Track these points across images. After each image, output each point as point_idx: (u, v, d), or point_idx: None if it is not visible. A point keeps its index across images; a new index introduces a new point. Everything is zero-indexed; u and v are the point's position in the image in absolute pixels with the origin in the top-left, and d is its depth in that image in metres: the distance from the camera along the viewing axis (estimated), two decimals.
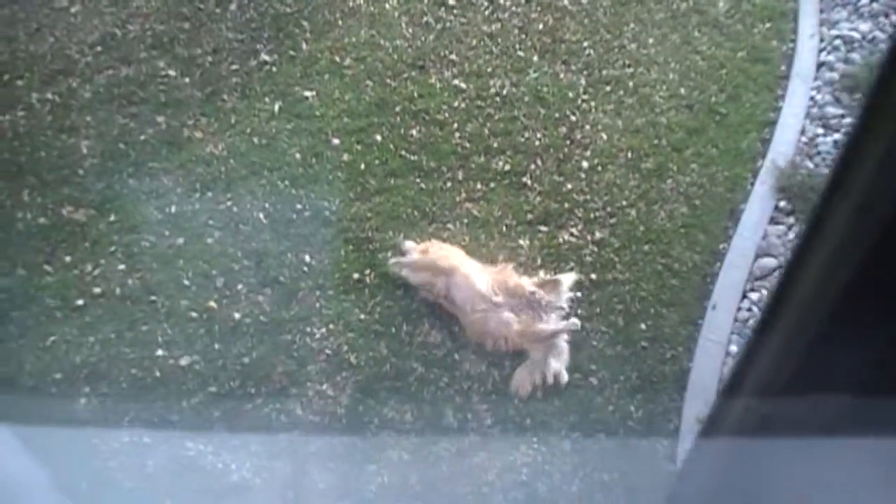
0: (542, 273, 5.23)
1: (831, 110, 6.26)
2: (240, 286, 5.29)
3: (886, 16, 6.91)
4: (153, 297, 5.24)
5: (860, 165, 1.55)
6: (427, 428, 4.71)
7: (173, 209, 5.68)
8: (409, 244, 5.33)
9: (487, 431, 4.71)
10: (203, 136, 6.11)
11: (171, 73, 6.53)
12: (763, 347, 2.11)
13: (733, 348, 4.98)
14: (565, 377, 4.80)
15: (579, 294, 5.20)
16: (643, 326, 5.12)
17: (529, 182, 5.87)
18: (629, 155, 6.04)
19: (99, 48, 6.67)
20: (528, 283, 4.97)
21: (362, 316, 5.17)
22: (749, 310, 5.17)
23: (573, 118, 6.29)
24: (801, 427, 1.99)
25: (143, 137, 6.10)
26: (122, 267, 5.38)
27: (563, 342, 4.87)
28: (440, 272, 5.02)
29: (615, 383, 4.88)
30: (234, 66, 6.59)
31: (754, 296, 5.24)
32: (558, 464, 4.58)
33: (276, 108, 6.31)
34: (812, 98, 6.43)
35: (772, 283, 5.27)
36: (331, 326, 5.11)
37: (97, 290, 5.27)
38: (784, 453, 2.20)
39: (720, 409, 2.70)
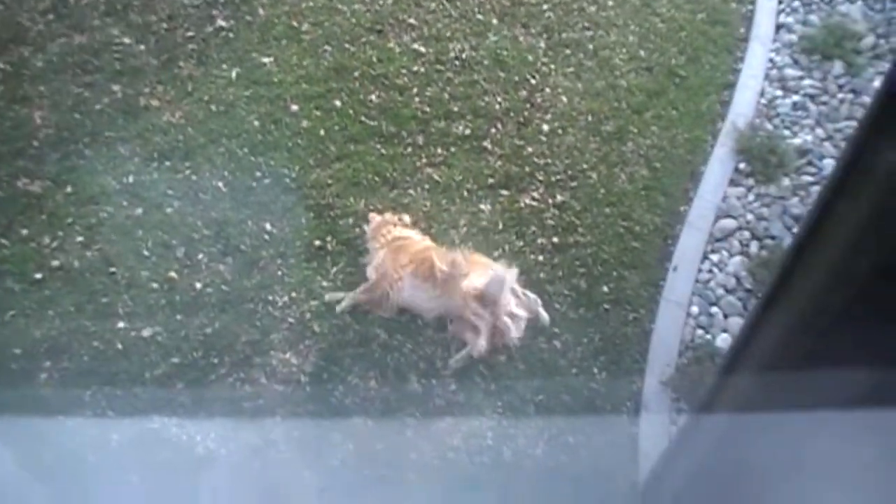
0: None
1: (790, 72, 6.29)
2: (200, 256, 5.23)
3: None
4: (113, 269, 5.15)
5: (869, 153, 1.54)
6: (391, 394, 4.70)
7: (131, 179, 5.58)
8: (372, 216, 5.26)
9: (451, 397, 4.71)
10: (160, 105, 6.00)
11: (126, 40, 6.39)
12: (770, 324, 2.09)
13: (694, 309, 5.03)
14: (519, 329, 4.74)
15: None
16: (605, 289, 5.14)
17: (490, 146, 5.84)
18: (589, 118, 6.03)
19: (51, 16, 6.50)
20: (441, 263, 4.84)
21: (325, 283, 5.13)
22: (710, 271, 5.21)
23: (533, 81, 6.26)
24: (808, 403, 1.97)
25: (98, 107, 5.97)
26: (80, 239, 5.28)
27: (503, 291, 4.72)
28: (381, 297, 4.98)
29: (578, 346, 4.90)
30: (190, 33, 6.46)
31: (714, 257, 5.27)
32: (522, 427, 4.60)
33: (234, 74, 6.21)
34: (771, 60, 6.46)
35: (732, 245, 5.31)
36: (293, 294, 5.07)
37: (55, 262, 5.17)
38: (788, 430, 2.18)
39: (719, 385, 2.69)
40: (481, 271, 4.76)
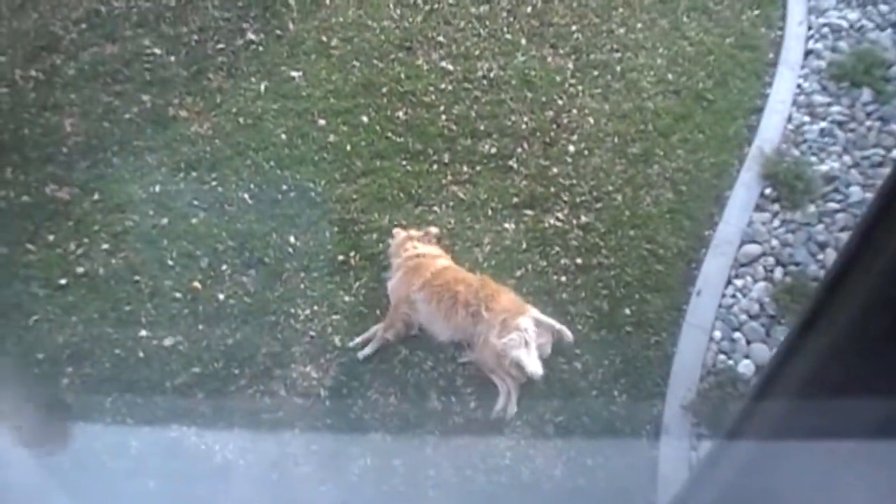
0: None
1: (818, 98, 6.25)
2: (224, 267, 5.25)
3: (874, 4, 6.89)
4: (137, 277, 5.19)
5: None
6: (411, 411, 4.68)
7: (158, 189, 5.62)
8: (396, 231, 5.28)
9: (471, 415, 4.69)
10: (188, 116, 6.05)
11: (157, 51, 6.46)
12: (805, 350, 2.05)
13: (717, 334, 4.97)
14: (531, 367, 4.61)
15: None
16: (628, 311, 5.10)
17: (516, 165, 5.84)
18: (616, 140, 6.01)
19: (83, 25, 6.59)
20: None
21: (347, 298, 5.13)
22: (733, 296, 5.15)
23: (560, 102, 6.26)
24: (841, 433, 1.93)
25: (127, 116, 6.04)
26: (105, 246, 5.32)
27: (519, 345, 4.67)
28: (404, 324, 4.95)
29: (599, 368, 4.86)
30: (221, 45, 6.52)
31: (739, 282, 5.22)
32: (541, 447, 4.56)
33: (262, 87, 6.25)
34: (799, 86, 6.42)
35: (756, 271, 5.26)
36: (315, 308, 5.07)
37: (81, 269, 5.21)
38: (820, 460, 2.14)
39: (748, 411, 2.64)
40: (502, 316, 4.71)
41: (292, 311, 5.06)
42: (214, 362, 4.84)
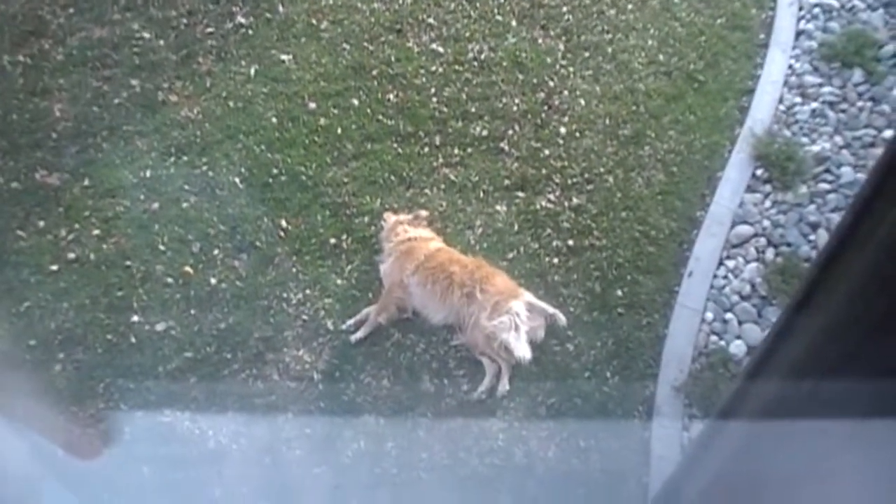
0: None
1: (809, 79, 6.23)
2: (216, 251, 5.23)
3: None
4: (128, 263, 5.17)
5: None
6: (404, 393, 4.69)
7: (148, 173, 5.59)
8: (386, 215, 5.27)
9: (464, 397, 4.69)
10: (178, 100, 6.00)
11: (146, 35, 6.39)
12: (798, 330, 2.04)
13: (709, 315, 4.98)
14: (520, 352, 4.59)
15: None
16: (620, 293, 5.11)
17: (507, 147, 5.81)
18: (607, 121, 5.99)
19: (71, 9, 6.51)
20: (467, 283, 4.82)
21: (339, 281, 5.12)
22: (725, 277, 5.16)
23: (551, 84, 6.23)
24: (835, 413, 1.92)
25: (117, 101, 5.99)
26: (96, 232, 5.30)
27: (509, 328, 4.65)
28: (397, 307, 4.95)
29: (591, 350, 4.86)
30: (210, 29, 6.46)
31: (730, 263, 5.22)
32: (534, 429, 4.58)
33: (252, 71, 6.20)
34: (790, 66, 6.39)
35: (748, 252, 5.26)
36: (307, 292, 5.07)
37: (71, 255, 5.19)
38: (813, 440, 2.12)
39: (741, 392, 2.64)
40: (494, 299, 4.70)
41: (284, 295, 5.05)
42: (207, 347, 4.83)
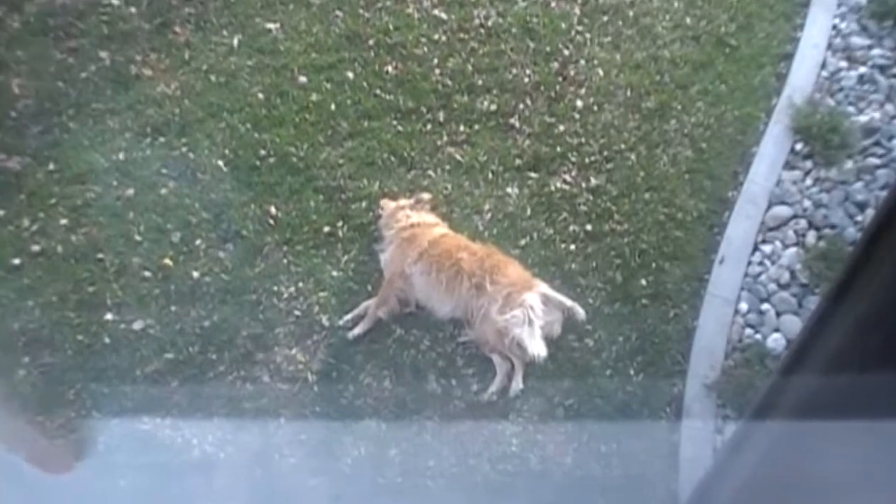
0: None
1: (857, 41, 6.22)
2: (198, 241, 5.28)
3: None
4: (101, 255, 5.21)
5: None
6: (407, 395, 4.73)
7: (121, 156, 5.64)
8: (384, 202, 5.32)
9: (473, 398, 4.74)
10: (153, 74, 6.04)
11: (115, 1, 6.42)
12: (838, 320, 2.07)
13: (743, 306, 5.01)
14: (534, 349, 4.68)
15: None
16: (643, 282, 5.15)
17: (518, 124, 5.86)
18: (628, 93, 6.03)
19: None
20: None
21: (334, 273, 5.17)
22: (760, 264, 5.19)
23: (566, 52, 6.26)
24: (879, 409, 1.94)
25: (84, 75, 6.03)
26: (64, 221, 5.35)
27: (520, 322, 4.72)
28: (399, 299, 5.02)
29: (613, 345, 4.91)
30: None
31: (766, 248, 5.25)
32: (551, 433, 4.62)
33: (236, 42, 6.25)
34: (835, 27, 6.38)
35: (786, 235, 5.27)
36: (300, 285, 5.12)
37: (36, 247, 5.24)
38: (856, 439, 2.14)
39: (777, 388, 2.67)
40: (506, 291, 4.76)
41: (275, 288, 5.10)
42: (189, 347, 4.88)
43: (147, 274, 5.15)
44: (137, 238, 5.29)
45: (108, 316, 5.00)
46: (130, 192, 5.48)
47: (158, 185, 5.51)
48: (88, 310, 5.02)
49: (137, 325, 4.96)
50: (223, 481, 4.46)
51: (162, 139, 5.72)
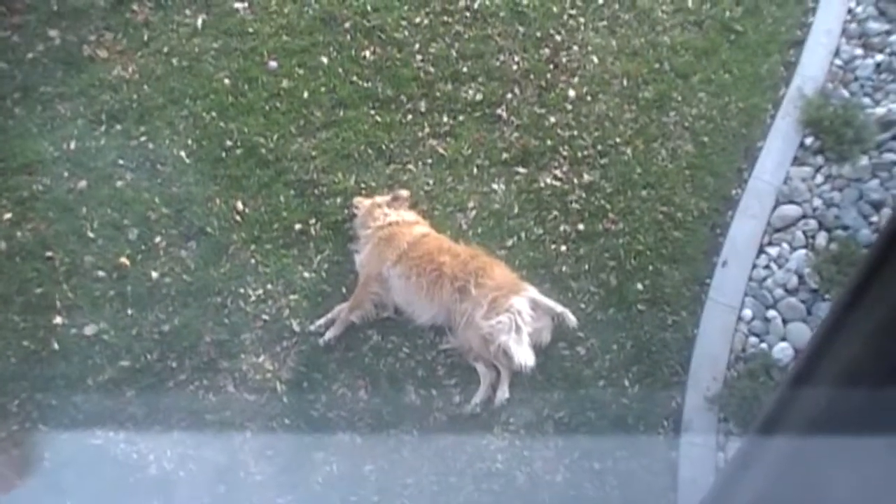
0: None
1: (874, 26, 6.22)
2: (157, 239, 5.26)
3: None
4: (49, 253, 5.19)
5: None
6: (384, 406, 4.73)
7: (73, 145, 5.61)
8: (357, 200, 5.32)
9: (455, 410, 4.74)
10: (108, 56, 6.01)
11: None
12: (851, 329, 2.07)
13: (747, 313, 5.02)
14: (521, 357, 4.69)
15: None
16: (640, 286, 5.17)
17: (505, 114, 5.87)
18: (625, 82, 6.04)
19: None
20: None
21: (306, 274, 5.17)
22: (766, 267, 5.21)
23: (558, 38, 6.27)
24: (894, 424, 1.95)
25: (31, 55, 5.99)
26: (8, 216, 5.32)
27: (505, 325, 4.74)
28: (373, 303, 5.02)
29: (607, 353, 4.92)
30: None
31: (773, 251, 5.27)
32: (540, 449, 4.63)
33: (200, 22, 6.22)
34: (850, 11, 6.38)
35: (795, 236, 5.28)
36: (268, 287, 5.11)
37: None
38: (870, 455, 2.15)
39: (785, 401, 2.67)
40: (492, 295, 4.78)
41: (241, 290, 5.09)
42: (147, 354, 4.87)
43: (101, 274, 5.13)
44: (90, 235, 5.26)
45: (58, 319, 4.98)
46: (83, 184, 5.45)
47: (114, 177, 5.48)
48: (35, 313, 5.00)
49: (90, 330, 4.94)
50: (183, 501, 4.45)
51: (118, 127, 5.69)
